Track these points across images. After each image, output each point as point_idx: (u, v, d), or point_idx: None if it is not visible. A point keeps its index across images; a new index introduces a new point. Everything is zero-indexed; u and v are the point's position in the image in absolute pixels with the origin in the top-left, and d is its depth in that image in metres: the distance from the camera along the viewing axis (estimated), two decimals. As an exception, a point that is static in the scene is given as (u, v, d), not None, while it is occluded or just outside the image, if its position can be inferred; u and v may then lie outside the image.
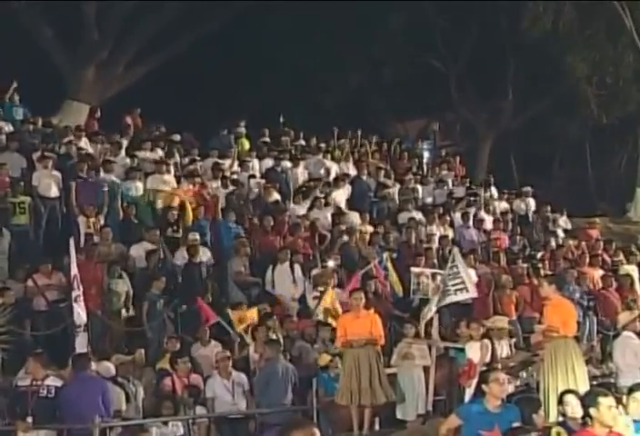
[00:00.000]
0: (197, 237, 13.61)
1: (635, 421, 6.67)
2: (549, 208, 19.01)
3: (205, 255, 13.39)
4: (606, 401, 6.21)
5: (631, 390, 7.14)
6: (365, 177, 17.74)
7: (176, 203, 14.56)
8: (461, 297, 10.97)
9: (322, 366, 10.97)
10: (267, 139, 19.01)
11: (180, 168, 16.24)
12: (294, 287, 13.24)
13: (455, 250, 11.73)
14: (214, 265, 13.54)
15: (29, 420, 8.87)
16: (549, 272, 14.67)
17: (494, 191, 19.34)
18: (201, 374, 10.86)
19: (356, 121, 22.59)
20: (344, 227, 15.23)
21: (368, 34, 24.33)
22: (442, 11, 24.81)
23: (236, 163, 16.86)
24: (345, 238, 14.87)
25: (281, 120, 20.14)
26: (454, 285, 10.78)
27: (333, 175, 17.49)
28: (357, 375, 9.73)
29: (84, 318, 10.64)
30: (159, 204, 14.60)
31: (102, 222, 13.60)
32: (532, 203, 19.04)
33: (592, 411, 6.16)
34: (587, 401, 6.32)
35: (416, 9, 24.38)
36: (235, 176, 16.38)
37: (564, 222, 18.81)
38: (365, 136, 20.76)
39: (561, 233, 18.11)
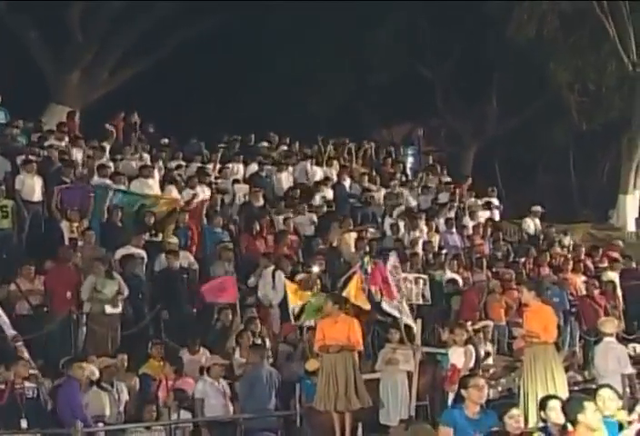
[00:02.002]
0: (176, 241, 13.61)
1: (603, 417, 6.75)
2: (554, 229, 18.99)
3: (186, 260, 13.37)
4: (591, 406, 6.30)
5: (596, 390, 7.23)
6: (346, 183, 17.79)
7: (160, 207, 14.54)
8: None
9: (310, 371, 10.94)
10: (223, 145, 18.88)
11: (165, 172, 16.22)
12: (273, 293, 13.25)
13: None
14: (199, 270, 13.54)
15: (24, 424, 8.84)
16: (531, 279, 14.77)
17: (495, 202, 19.28)
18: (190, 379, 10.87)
19: (342, 126, 22.63)
20: (330, 232, 15.25)
21: (356, 39, 24.38)
22: (429, 18, 24.91)
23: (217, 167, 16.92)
24: (329, 243, 14.89)
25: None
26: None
27: (316, 180, 17.52)
28: (334, 381, 9.72)
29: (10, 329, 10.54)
30: (140, 208, 14.54)
31: (85, 225, 13.54)
32: (538, 222, 19.02)
33: (580, 416, 6.23)
34: (573, 406, 6.37)
35: (404, 16, 24.47)
36: (219, 181, 16.40)
37: (568, 241, 18.75)
38: (350, 141, 20.79)
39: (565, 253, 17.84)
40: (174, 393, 10.33)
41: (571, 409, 6.39)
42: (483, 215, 18.50)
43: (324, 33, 24.08)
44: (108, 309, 11.99)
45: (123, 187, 14.69)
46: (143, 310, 12.47)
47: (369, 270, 13.63)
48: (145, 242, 13.48)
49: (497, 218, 19.02)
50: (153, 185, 15.00)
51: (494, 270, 15.47)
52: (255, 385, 10.40)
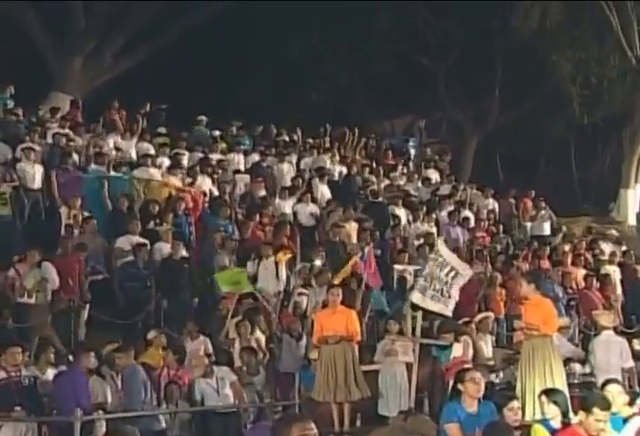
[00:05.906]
0: (180, 231, 13.60)
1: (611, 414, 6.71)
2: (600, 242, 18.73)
3: (183, 250, 13.34)
4: (600, 414, 6.18)
5: (604, 384, 7.20)
6: (354, 174, 17.77)
7: (162, 196, 14.52)
8: (461, 281, 10.42)
9: (314, 359, 10.93)
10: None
11: (168, 161, 16.17)
12: (276, 283, 13.23)
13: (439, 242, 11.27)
14: (200, 260, 13.53)
15: (20, 412, 8.82)
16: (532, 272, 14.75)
17: (547, 212, 18.97)
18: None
19: (343, 117, 22.57)
20: (329, 223, 15.24)
21: (357, 30, 24.29)
22: (431, 9, 24.82)
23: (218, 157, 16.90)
24: (331, 234, 14.88)
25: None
26: (447, 274, 10.26)
27: (319, 171, 17.48)
28: (333, 372, 9.72)
29: None
30: (144, 197, 14.52)
31: (84, 213, 13.48)
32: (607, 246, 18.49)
33: (581, 414, 6.15)
34: (584, 404, 6.30)
35: (406, 7, 24.39)
36: (220, 171, 16.37)
37: (608, 247, 18.34)
38: (352, 133, 20.75)
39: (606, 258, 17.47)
40: (174, 383, 10.31)
41: (592, 402, 6.27)
42: (484, 207, 18.49)
43: (326, 22, 23.99)
44: (23, 299, 11.53)
45: (122, 175, 14.67)
46: (145, 298, 12.45)
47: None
48: (148, 230, 13.44)
49: (548, 232, 18.60)
50: (155, 174, 14.96)
51: (514, 263, 15.36)
52: (131, 383, 9.93)
